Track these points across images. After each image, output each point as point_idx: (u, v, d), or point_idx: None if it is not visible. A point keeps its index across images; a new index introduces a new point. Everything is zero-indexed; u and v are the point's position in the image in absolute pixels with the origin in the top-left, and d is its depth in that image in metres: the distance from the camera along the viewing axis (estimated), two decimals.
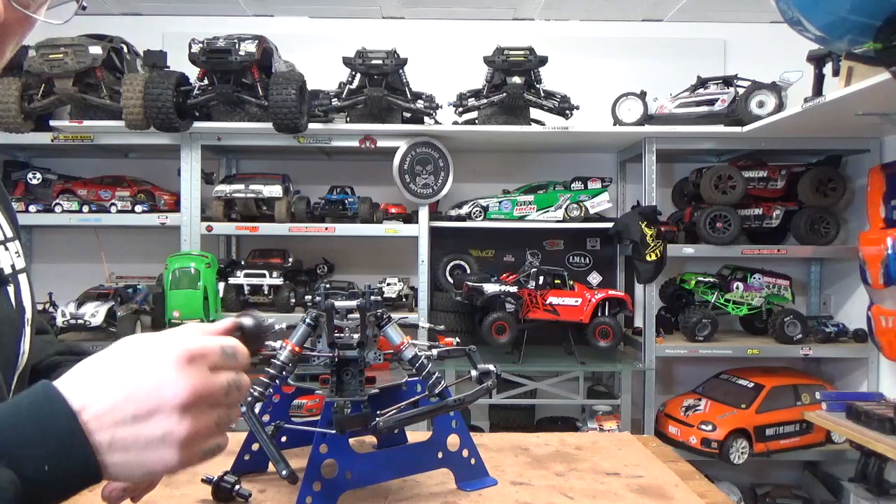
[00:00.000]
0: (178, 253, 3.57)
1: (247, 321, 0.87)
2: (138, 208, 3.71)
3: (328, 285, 1.60)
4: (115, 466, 0.69)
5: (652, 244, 3.62)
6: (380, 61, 3.49)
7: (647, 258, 3.64)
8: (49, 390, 0.69)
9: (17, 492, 0.63)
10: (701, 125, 3.69)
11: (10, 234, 1.02)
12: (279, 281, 3.78)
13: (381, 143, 3.72)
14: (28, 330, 1.00)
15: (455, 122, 3.82)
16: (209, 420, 0.74)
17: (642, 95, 3.72)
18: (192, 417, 0.71)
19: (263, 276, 3.78)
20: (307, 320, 1.27)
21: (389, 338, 1.30)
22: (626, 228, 3.70)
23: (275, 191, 3.68)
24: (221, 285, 3.66)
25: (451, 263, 4.10)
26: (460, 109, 3.77)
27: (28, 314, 1.00)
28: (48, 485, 0.65)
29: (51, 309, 3.67)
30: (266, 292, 3.79)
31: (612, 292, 3.78)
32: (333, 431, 1.15)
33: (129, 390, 0.70)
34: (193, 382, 0.72)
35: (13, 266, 0.99)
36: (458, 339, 1.50)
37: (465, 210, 3.90)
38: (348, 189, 3.93)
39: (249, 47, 3.41)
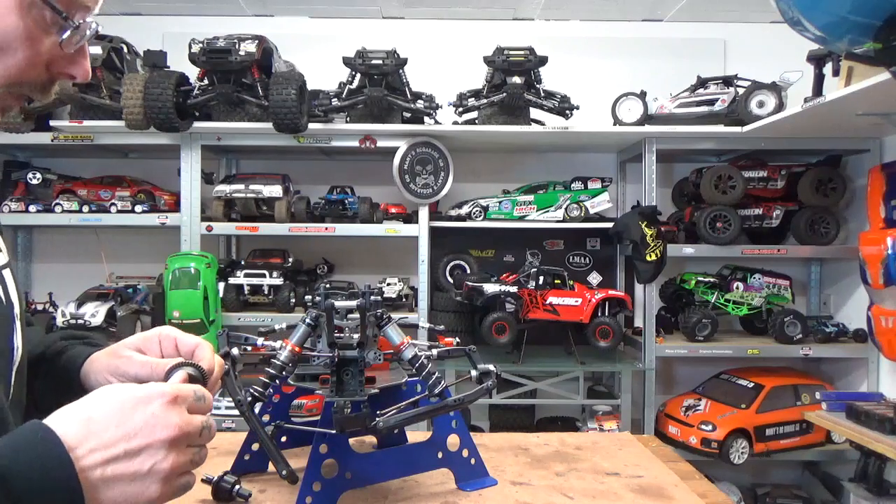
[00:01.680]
0: (178, 253, 3.57)
1: (191, 370, 0.96)
2: (138, 208, 3.70)
3: (328, 285, 1.60)
4: (102, 502, 0.75)
5: (652, 244, 3.62)
6: (380, 61, 3.49)
7: (647, 258, 3.63)
8: (47, 436, 0.74)
9: None
10: (701, 125, 3.68)
11: None
12: (279, 281, 3.78)
13: (381, 143, 3.72)
14: (19, 325, 1.00)
15: (455, 122, 3.82)
16: (187, 457, 0.82)
17: (642, 95, 3.71)
18: (175, 454, 0.79)
19: (263, 276, 3.78)
20: (307, 320, 1.26)
21: (389, 338, 1.30)
22: (626, 228, 3.70)
23: (275, 191, 3.68)
24: (221, 285, 3.66)
25: (451, 263, 4.09)
26: (460, 109, 3.77)
27: (17, 309, 1.00)
28: None
29: (51, 309, 3.68)
30: (266, 292, 3.79)
31: (612, 292, 3.78)
32: (333, 431, 1.15)
33: (122, 429, 0.77)
34: (178, 421, 0.80)
35: None
36: (458, 339, 1.50)
37: (465, 210, 3.89)
38: (348, 189, 3.93)
39: (249, 47, 3.42)
